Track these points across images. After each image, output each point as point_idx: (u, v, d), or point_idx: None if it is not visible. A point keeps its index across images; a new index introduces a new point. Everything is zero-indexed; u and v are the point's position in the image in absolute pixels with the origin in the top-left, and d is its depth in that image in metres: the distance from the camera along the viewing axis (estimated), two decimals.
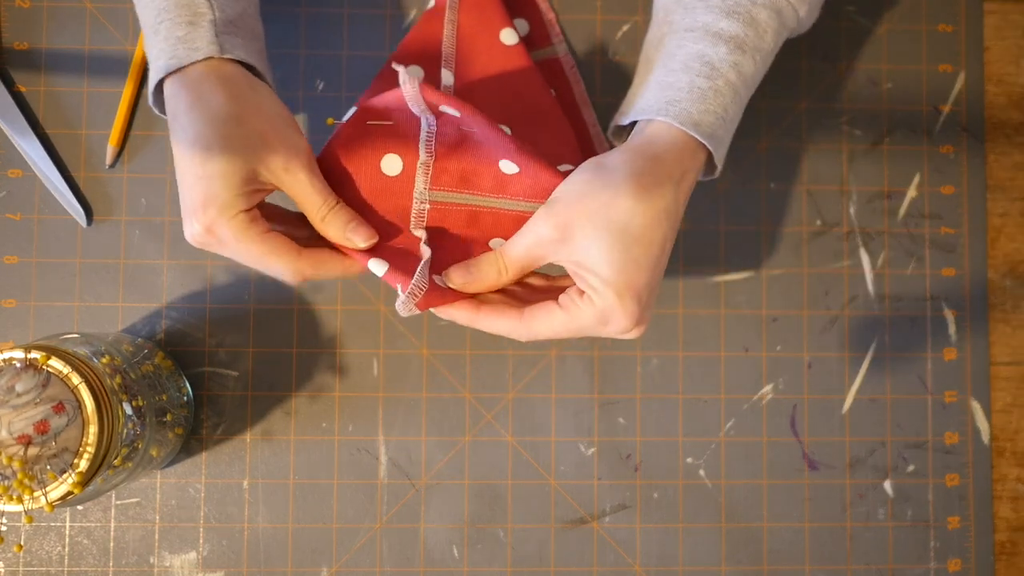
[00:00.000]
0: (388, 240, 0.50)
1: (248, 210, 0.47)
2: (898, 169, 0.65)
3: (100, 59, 0.62)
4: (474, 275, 0.48)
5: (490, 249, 0.50)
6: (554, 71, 0.63)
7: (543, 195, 0.49)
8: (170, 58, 0.48)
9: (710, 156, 0.50)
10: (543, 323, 0.47)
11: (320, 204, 0.49)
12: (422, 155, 0.51)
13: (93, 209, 0.61)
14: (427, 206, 0.51)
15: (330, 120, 0.52)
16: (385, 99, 0.51)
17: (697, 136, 0.48)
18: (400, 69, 0.49)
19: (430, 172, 0.51)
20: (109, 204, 0.61)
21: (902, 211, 0.64)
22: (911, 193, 0.64)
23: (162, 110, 0.51)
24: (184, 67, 0.48)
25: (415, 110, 0.50)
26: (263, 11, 0.62)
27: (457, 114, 0.50)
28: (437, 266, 0.49)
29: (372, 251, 0.50)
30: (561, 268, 0.48)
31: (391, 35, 0.63)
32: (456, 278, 0.48)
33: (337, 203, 0.49)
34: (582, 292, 0.46)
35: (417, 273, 0.47)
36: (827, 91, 0.65)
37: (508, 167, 0.50)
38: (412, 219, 0.51)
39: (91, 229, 0.61)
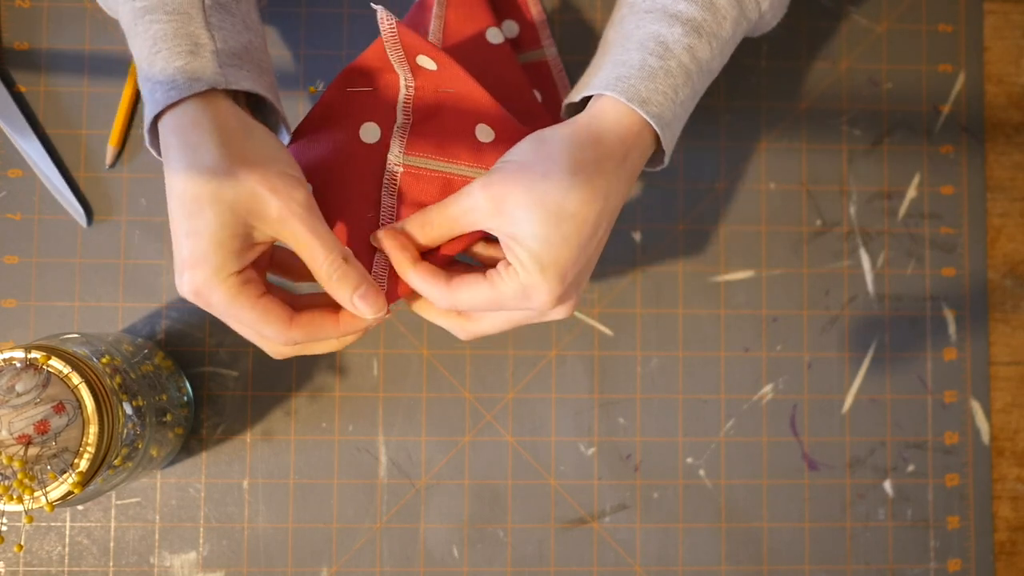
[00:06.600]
0: (359, 220, 0.49)
1: (241, 271, 0.43)
2: (898, 169, 0.65)
3: (100, 59, 0.62)
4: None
5: None
6: (541, 74, 0.62)
7: None
8: (169, 89, 0.44)
9: (659, 143, 0.49)
10: (467, 293, 0.46)
11: (323, 259, 0.44)
12: (399, 118, 0.50)
13: (93, 209, 0.61)
14: (400, 169, 0.49)
15: (312, 88, 0.51)
16: (366, 57, 0.50)
17: (643, 114, 0.47)
18: (379, 8, 0.47)
19: (406, 136, 0.50)
20: (109, 204, 0.61)
21: (902, 211, 0.64)
22: (911, 193, 0.64)
23: (159, 152, 0.47)
24: (183, 100, 0.44)
25: (393, 59, 0.49)
26: (264, 12, 0.62)
27: (434, 66, 0.49)
28: None
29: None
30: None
31: None
32: (382, 235, 0.48)
33: (346, 261, 0.45)
34: (509, 265, 0.46)
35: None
36: (827, 91, 0.65)
37: (484, 133, 0.50)
38: (384, 184, 0.49)
39: (91, 229, 0.61)
